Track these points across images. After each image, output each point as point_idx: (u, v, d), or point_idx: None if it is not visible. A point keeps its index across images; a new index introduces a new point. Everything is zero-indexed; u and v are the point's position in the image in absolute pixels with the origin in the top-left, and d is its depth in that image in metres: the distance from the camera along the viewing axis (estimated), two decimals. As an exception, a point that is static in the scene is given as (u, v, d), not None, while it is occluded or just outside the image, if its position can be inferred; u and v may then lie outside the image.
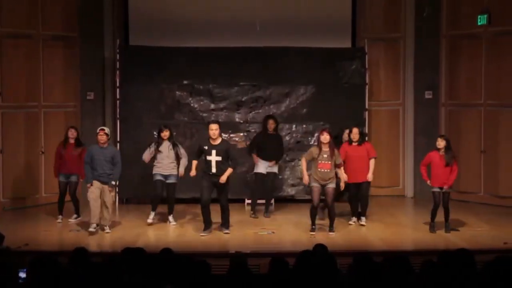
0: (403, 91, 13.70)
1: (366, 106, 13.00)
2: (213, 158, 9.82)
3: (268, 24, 13.13)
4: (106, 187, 10.24)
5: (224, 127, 12.75)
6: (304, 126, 12.83)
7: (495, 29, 12.57)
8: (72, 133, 11.10)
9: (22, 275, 5.70)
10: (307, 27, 13.18)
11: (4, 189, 12.25)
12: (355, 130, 10.75)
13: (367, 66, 12.98)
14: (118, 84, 12.78)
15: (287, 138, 12.83)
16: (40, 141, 12.68)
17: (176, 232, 10.38)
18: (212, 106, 12.89)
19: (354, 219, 10.81)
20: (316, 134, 12.52)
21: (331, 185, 9.97)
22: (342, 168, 10.12)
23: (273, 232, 10.30)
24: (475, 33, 12.85)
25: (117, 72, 12.78)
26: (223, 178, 9.77)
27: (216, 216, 10.18)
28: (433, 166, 10.26)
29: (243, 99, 12.92)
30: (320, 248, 6.63)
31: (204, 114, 12.86)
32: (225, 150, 9.88)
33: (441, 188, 10.21)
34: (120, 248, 6.40)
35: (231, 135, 12.83)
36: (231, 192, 12.48)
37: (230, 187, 10.20)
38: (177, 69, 12.79)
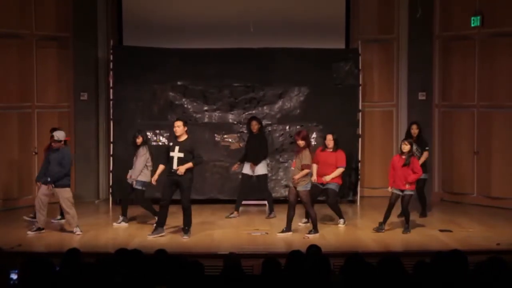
0: (396, 92, 13.71)
1: (360, 107, 13.00)
2: (176, 154, 9.80)
3: (262, 25, 13.10)
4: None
5: (218, 128, 12.80)
6: (297, 127, 12.80)
7: (488, 31, 12.60)
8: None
9: (14, 276, 5.66)
10: (301, 29, 13.17)
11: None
12: (329, 137, 10.80)
13: (360, 67, 12.98)
14: (111, 85, 12.75)
15: (281, 139, 12.84)
16: (33, 141, 12.65)
17: (168, 233, 10.33)
18: (206, 107, 12.87)
19: (305, 220, 10.81)
20: (313, 136, 12.54)
21: (298, 188, 9.97)
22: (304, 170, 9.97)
23: (267, 233, 10.28)
24: (468, 34, 12.88)
25: (111, 72, 12.74)
26: (181, 170, 9.70)
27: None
28: (392, 168, 10.32)
29: (236, 100, 12.91)
30: (313, 249, 6.63)
31: (198, 115, 12.84)
32: (189, 148, 9.83)
33: (402, 190, 10.25)
34: (113, 249, 6.38)
35: (225, 136, 12.81)
36: (226, 193, 12.57)
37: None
38: (171, 70, 12.78)
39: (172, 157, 9.82)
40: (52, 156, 10.13)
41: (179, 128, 9.86)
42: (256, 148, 11.52)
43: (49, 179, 10.03)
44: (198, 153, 9.93)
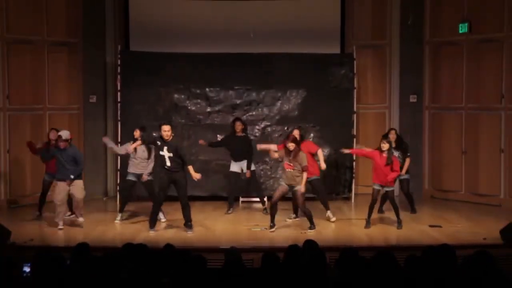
0: (389, 95, 13.71)
1: (354, 109, 12.99)
2: (166, 154, 9.83)
3: (262, 32, 13.13)
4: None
5: (220, 128, 12.78)
6: (295, 127, 12.78)
7: (475, 37, 12.60)
8: (53, 135, 10.80)
9: (26, 269, 5.67)
10: (299, 35, 13.18)
11: (10, 187, 12.23)
12: (295, 132, 10.77)
13: (355, 71, 12.98)
14: (119, 88, 12.75)
15: (280, 139, 12.83)
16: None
17: (172, 228, 10.33)
18: (208, 109, 12.88)
19: (293, 215, 10.83)
20: (310, 136, 12.53)
21: (296, 188, 9.91)
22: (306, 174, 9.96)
23: (266, 228, 10.28)
24: (457, 40, 12.89)
25: (118, 76, 12.75)
26: (196, 176, 9.71)
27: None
28: (374, 165, 10.25)
29: (237, 102, 12.91)
30: (310, 243, 6.62)
31: (201, 116, 12.85)
32: (175, 148, 9.84)
33: (382, 186, 10.23)
34: (120, 244, 6.37)
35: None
36: (225, 190, 12.55)
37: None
38: (175, 73, 12.78)
39: (163, 156, 9.85)
40: (63, 156, 10.13)
41: (169, 132, 9.85)
42: (244, 148, 11.42)
43: (72, 177, 10.08)
44: (183, 153, 9.91)
